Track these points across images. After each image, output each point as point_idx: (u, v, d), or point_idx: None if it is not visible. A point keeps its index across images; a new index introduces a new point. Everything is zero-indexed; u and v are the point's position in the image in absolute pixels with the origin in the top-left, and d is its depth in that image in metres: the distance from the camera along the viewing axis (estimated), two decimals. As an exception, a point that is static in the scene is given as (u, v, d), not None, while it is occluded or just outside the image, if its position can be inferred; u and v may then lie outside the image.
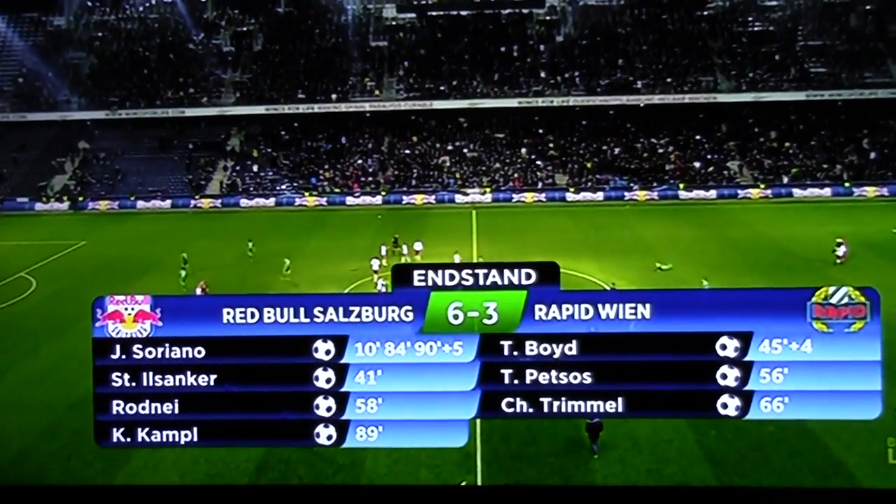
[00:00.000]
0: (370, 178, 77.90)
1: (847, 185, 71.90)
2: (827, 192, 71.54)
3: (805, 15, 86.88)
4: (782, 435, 26.10)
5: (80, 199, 77.33)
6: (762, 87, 79.74)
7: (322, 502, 9.24)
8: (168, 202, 76.04)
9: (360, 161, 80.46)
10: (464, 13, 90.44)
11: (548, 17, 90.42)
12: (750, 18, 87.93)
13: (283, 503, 9.17)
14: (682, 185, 72.81)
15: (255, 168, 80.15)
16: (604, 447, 26.18)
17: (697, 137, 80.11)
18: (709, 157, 77.49)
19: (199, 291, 41.44)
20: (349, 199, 74.71)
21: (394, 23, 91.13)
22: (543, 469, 25.37)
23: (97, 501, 9.01)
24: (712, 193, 72.06)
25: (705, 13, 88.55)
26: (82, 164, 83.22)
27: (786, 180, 73.62)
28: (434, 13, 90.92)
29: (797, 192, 71.95)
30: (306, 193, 75.50)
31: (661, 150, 78.76)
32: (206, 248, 55.36)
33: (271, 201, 75.15)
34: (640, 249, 51.90)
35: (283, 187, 77.32)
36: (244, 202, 75.19)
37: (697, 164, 76.14)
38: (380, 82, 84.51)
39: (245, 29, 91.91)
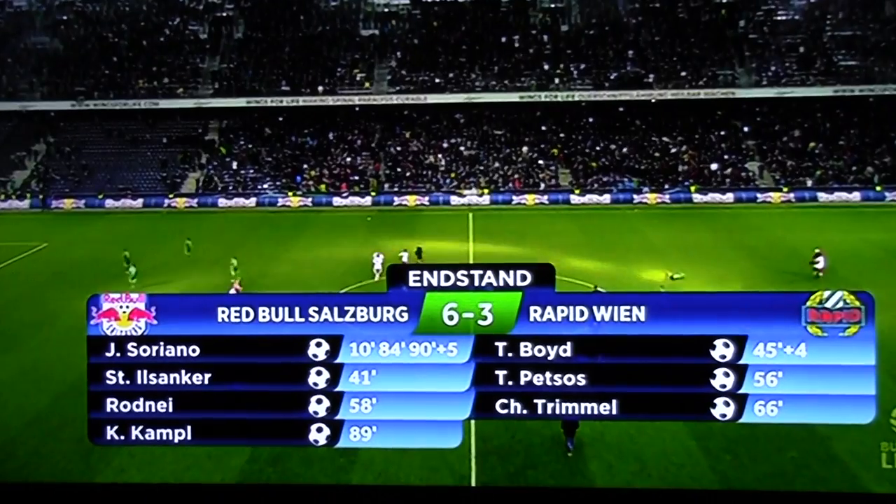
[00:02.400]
0: (359, 178, 78.61)
1: (878, 188, 72.48)
2: (856, 196, 72.07)
3: (834, 2, 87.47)
4: (804, 461, 26.47)
5: (43, 196, 77.86)
6: (785, 81, 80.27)
7: (315, 501, 10.13)
8: (139, 201, 76.61)
9: (348, 159, 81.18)
10: (461, 0, 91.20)
11: (552, 5, 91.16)
12: (773, 6, 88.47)
13: (274, 502, 10.05)
14: (695, 188, 73.54)
15: (234, 165, 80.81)
16: (609, 470, 26.56)
17: (713, 136, 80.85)
18: (726, 157, 78.09)
19: (233, 292, 42.30)
20: (336, 200, 75.35)
21: (385, 9, 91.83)
22: (543, 494, 25.84)
23: (85, 499, 9.85)
24: (729, 197, 72.76)
25: (724, 0, 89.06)
26: (45, 159, 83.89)
27: (810, 183, 74.13)
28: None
29: (823, 196, 72.50)
30: (290, 193, 76.20)
31: (673, 150, 79.44)
32: (178, 250, 56.09)
33: (252, 201, 75.78)
34: (650, 256, 52.47)
35: (265, 186, 77.96)
36: (222, 202, 75.87)
37: (713, 166, 76.72)
38: (370, 74, 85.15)
39: (224, 14, 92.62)
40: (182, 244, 55.97)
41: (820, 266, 46.96)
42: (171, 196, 76.89)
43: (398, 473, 26.04)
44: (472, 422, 28.14)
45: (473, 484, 26.02)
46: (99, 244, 60.26)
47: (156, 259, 54.32)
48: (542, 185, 76.21)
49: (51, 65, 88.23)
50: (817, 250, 47.89)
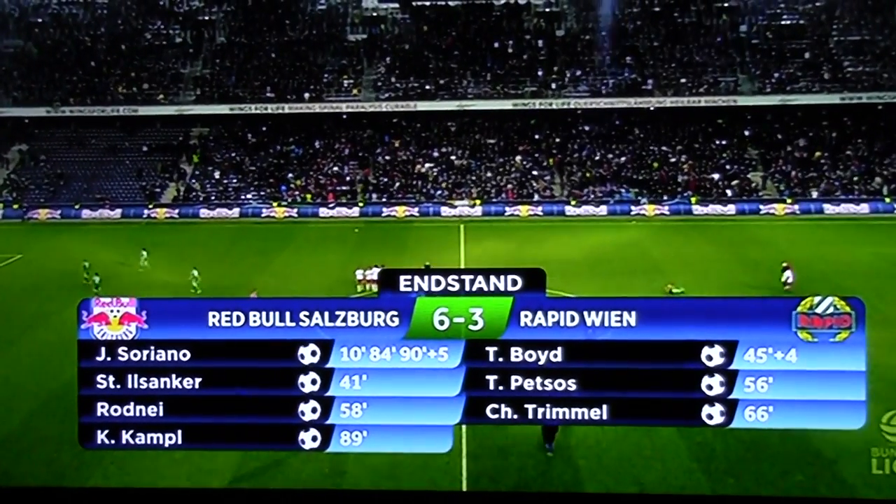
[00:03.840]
0: (346, 188, 79.02)
1: (888, 200, 72.94)
2: (864, 208, 72.51)
3: (841, 6, 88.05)
4: (811, 484, 26.60)
5: (16, 206, 77.95)
6: (790, 88, 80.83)
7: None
8: (117, 212, 76.84)
9: (335, 168, 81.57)
10: (452, 3, 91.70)
11: (547, 9, 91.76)
12: (777, 10, 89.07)
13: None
14: (695, 199, 74.02)
15: (217, 174, 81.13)
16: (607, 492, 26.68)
17: (715, 145, 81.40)
18: (727, 167, 78.59)
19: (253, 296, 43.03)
20: (322, 211, 75.79)
21: (374, 14, 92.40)
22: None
23: (81, 502, 10.31)
24: (731, 208, 73.24)
25: (726, 4, 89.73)
26: (19, 168, 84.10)
27: (816, 194, 74.61)
28: (419, 3, 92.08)
29: (829, 208, 72.90)
30: (274, 203, 76.52)
31: (673, 160, 79.96)
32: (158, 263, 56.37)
33: (235, 212, 76.13)
34: (649, 270, 52.72)
35: (249, 196, 78.32)
36: (204, 212, 76.13)
37: (715, 176, 77.27)
38: (358, 80, 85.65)
39: (207, 18, 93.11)
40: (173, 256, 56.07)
41: (788, 280, 47.61)
42: (150, 206, 77.16)
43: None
44: (464, 444, 28.63)
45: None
46: (74, 256, 59.03)
47: (122, 270, 55.03)
48: (537, 196, 76.59)
49: (25, 69, 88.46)
50: (785, 264, 48.67)
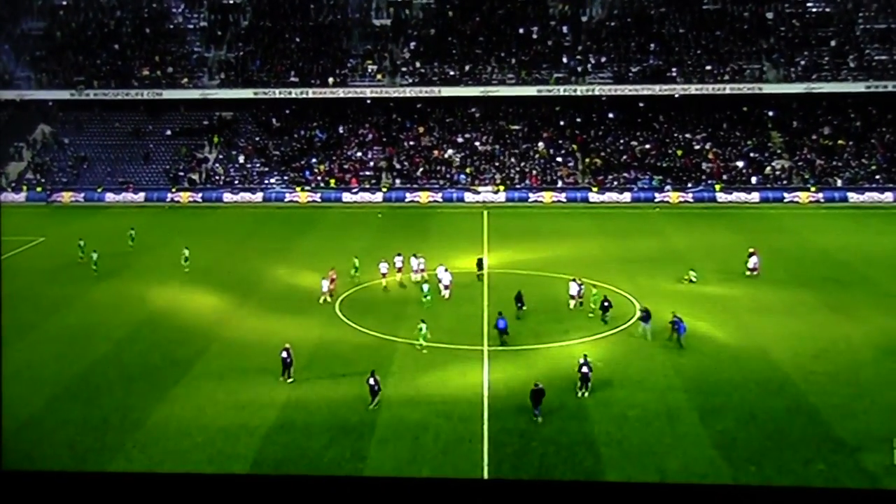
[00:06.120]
0: (370, 173, 79.11)
1: (913, 188, 72.42)
2: (888, 196, 72.15)
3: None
4: (832, 474, 26.40)
5: (40, 189, 78.45)
6: (815, 76, 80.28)
7: (327, 492, 10.63)
8: (141, 195, 76.97)
9: (358, 153, 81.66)
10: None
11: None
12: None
13: (285, 493, 10.53)
14: (719, 187, 73.78)
15: (240, 159, 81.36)
16: (628, 480, 26.46)
17: (739, 133, 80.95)
18: (752, 155, 78.22)
19: (327, 283, 43.84)
20: (346, 196, 75.77)
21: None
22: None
23: (96, 488, 10.34)
24: (754, 196, 72.91)
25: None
26: (42, 151, 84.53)
27: (840, 183, 74.23)
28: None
29: (853, 196, 72.54)
30: (298, 188, 76.59)
31: (697, 147, 79.72)
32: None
33: (258, 196, 76.13)
34: (671, 258, 52.66)
35: (272, 181, 78.48)
36: (228, 197, 76.27)
37: (739, 164, 76.94)
38: (382, 66, 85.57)
39: (231, 2, 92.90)
40: (179, 245, 55.97)
41: (752, 265, 47.99)
42: (173, 190, 77.36)
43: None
44: (485, 430, 28.77)
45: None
46: (98, 239, 58.20)
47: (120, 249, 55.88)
48: (560, 183, 76.52)
49: (49, 52, 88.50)
50: (751, 250, 48.92)
